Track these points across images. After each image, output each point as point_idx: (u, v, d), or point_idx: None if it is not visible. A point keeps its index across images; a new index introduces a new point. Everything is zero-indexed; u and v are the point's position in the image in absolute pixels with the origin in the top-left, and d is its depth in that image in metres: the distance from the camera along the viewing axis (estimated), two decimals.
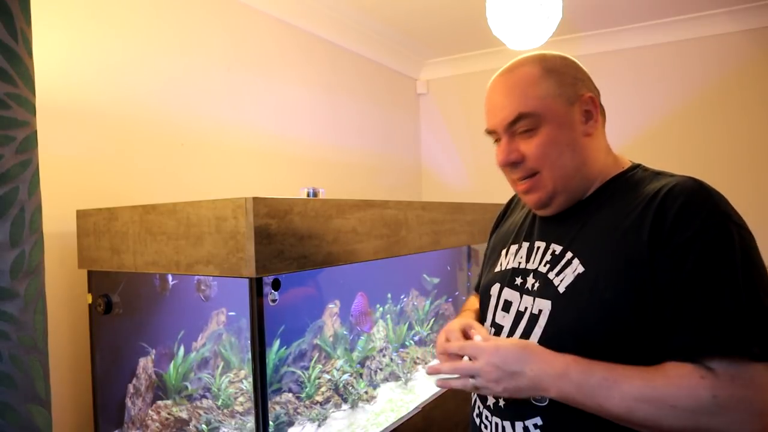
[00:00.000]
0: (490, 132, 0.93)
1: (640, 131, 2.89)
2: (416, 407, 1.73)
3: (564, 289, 0.83)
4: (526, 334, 0.86)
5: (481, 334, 0.88)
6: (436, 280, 2.44)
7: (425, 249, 1.79)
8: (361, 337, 1.96)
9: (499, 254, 1.04)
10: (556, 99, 0.87)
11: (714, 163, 2.73)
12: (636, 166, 0.92)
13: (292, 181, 2.38)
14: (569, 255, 0.85)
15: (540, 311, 0.85)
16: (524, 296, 0.90)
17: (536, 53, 0.92)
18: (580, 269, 0.82)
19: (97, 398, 1.49)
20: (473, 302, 1.18)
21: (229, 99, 2.11)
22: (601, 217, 0.86)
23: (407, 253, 1.67)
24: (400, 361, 2.04)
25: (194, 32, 1.98)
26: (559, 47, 2.99)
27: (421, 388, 1.94)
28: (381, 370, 1.96)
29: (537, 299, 0.87)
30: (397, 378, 1.99)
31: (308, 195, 1.57)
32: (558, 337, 0.81)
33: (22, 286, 0.82)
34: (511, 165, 0.89)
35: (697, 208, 0.75)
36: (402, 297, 2.29)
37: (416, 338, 2.27)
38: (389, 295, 2.18)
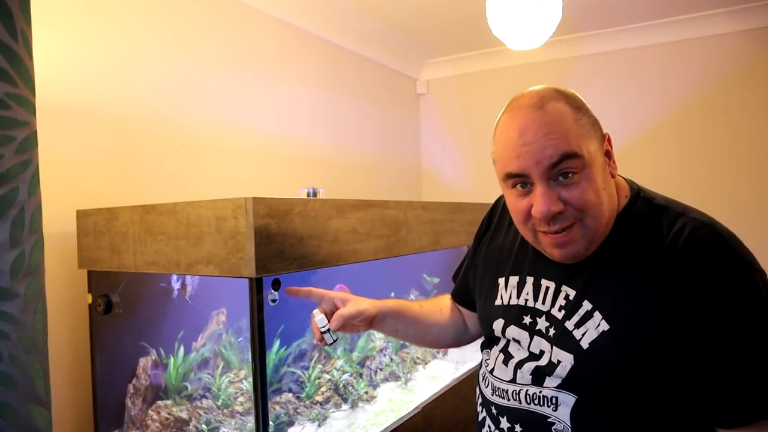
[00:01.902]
0: (514, 176, 0.81)
1: (640, 131, 2.88)
2: (416, 407, 1.73)
3: (588, 346, 0.81)
4: (539, 377, 0.85)
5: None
6: (436, 280, 2.43)
7: (425, 249, 1.79)
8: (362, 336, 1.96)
9: (496, 281, 0.99)
10: (592, 139, 0.80)
11: (714, 164, 2.73)
12: (636, 196, 0.87)
13: (292, 181, 2.38)
14: (588, 306, 0.82)
15: (559, 361, 0.83)
16: (536, 337, 0.88)
17: (545, 88, 0.82)
18: (605, 326, 0.80)
19: (97, 398, 1.49)
20: (438, 302, 1.23)
21: (229, 99, 2.11)
22: (616, 265, 0.82)
23: (407, 253, 1.67)
24: (399, 361, 2.04)
25: (194, 32, 1.98)
26: (559, 47, 3.00)
27: (421, 388, 1.94)
28: (381, 370, 1.96)
29: (556, 348, 0.84)
30: (397, 378, 1.99)
31: (308, 195, 1.57)
32: (578, 391, 0.81)
33: (22, 286, 0.82)
34: (553, 217, 0.79)
35: (724, 267, 0.74)
36: (406, 296, 2.29)
37: None
38: (392, 294, 2.18)
